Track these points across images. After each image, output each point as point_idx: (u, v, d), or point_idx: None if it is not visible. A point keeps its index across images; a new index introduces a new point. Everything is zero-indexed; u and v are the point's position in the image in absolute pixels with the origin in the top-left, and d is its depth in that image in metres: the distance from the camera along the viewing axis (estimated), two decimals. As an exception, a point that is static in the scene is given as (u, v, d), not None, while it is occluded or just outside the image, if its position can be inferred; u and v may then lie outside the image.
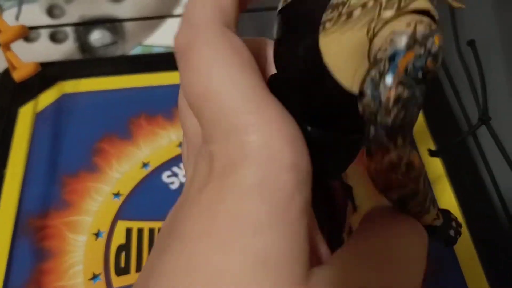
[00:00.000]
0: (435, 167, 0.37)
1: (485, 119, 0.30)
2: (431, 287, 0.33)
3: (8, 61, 0.40)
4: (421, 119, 0.40)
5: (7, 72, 0.43)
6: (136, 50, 0.49)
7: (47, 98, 0.42)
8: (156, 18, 0.49)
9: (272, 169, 0.14)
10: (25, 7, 0.48)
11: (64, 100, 0.42)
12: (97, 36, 0.48)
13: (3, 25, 0.37)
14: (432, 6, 0.15)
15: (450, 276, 0.34)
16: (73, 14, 0.48)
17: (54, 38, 0.48)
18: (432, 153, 0.36)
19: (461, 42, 0.34)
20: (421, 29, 0.14)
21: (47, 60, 0.44)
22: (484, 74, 0.28)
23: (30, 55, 0.43)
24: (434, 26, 0.14)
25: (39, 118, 0.41)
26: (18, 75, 0.39)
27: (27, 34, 0.38)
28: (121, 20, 0.48)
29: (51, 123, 0.41)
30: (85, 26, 0.47)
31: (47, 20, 0.47)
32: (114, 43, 0.48)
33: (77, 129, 0.40)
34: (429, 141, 0.38)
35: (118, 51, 0.48)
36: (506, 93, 0.37)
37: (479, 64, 0.29)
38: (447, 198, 0.36)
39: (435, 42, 0.14)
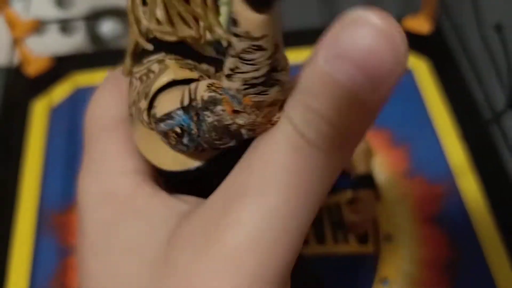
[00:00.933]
0: (459, 154, 0.37)
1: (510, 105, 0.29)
2: (452, 276, 0.33)
3: (21, 55, 0.40)
4: (443, 106, 0.40)
5: (19, 67, 0.43)
6: (147, 41, 0.48)
7: (61, 92, 0.42)
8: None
9: None
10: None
11: (78, 94, 0.42)
12: (107, 28, 0.48)
13: (15, 20, 0.36)
14: (178, 70, 0.17)
15: (473, 264, 0.34)
16: (82, 5, 0.48)
17: (64, 30, 0.47)
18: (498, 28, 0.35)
19: (484, 27, 0.34)
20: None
21: (57, 52, 0.44)
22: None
23: (40, 48, 0.43)
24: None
25: (54, 113, 0.41)
26: (31, 70, 0.39)
27: (38, 27, 0.37)
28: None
29: (67, 117, 0.41)
30: (95, 17, 0.47)
31: (56, 12, 0.47)
32: (125, 34, 0.48)
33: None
34: (441, 107, 0.39)
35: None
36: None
37: (506, 49, 0.29)
38: (470, 184, 0.36)
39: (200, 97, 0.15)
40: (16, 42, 0.38)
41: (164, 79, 0.16)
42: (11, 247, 0.35)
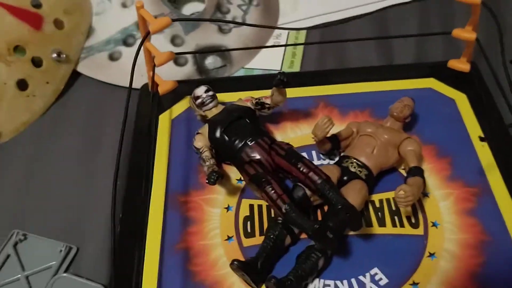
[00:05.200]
0: (485, 153, 0.48)
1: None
2: (485, 255, 0.43)
3: (152, 78, 0.53)
4: (478, 127, 0.51)
5: (145, 87, 0.56)
6: (239, 72, 0.61)
7: (179, 108, 0.55)
8: (254, 48, 0.61)
9: None
10: (153, 37, 0.61)
11: (191, 111, 0.54)
12: (210, 61, 0.61)
13: (156, 51, 0.49)
14: None
15: (502, 246, 0.43)
16: (190, 43, 0.61)
17: (177, 62, 0.60)
18: (482, 139, 0.46)
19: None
20: None
21: (173, 79, 0.56)
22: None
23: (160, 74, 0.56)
24: None
25: (174, 122, 0.54)
26: (162, 90, 0.52)
27: (173, 58, 0.50)
28: (229, 49, 0.60)
29: (184, 126, 0.53)
30: (202, 53, 0.60)
31: (171, 48, 0.60)
32: (223, 66, 0.61)
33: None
34: (478, 129, 0.50)
35: (226, 73, 0.61)
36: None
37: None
38: (497, 181, 0.46)
39: None
40: (152, 68, 0.51)
41: None
42: (147, 219, 0.46)
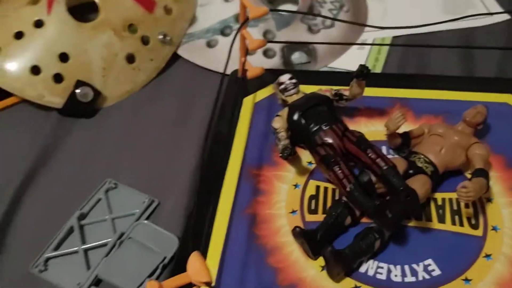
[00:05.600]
0: None
1: None
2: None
3: (243, 63, 0.58)
4: None
5: (234, 73, 0.62)
6: (323, 70, 0.65)
7: (262, 94, 0.60)
8: (340, 43, 0.65)
9: None
10: (248, 30, 0.67)
11: (274, 97, 0.59)
12: (296, 56, 0.65)
13: (250, 38, 0.54)
14: None
15: None
16: (281, 38, 0.66)
17: (266, 54, 0.66)
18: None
19: None
20: None
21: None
22: None
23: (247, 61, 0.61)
24: None
25: (256, 106, 0.59)
26: (250, 74, 0.57)
27: (265, 45, 0.55)
28: (316, 43, 0.64)
29: (265, 109, 0.58)
30: (289, 47, 0.65)
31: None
32: (308, 62, 0.65)
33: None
34: None
35: (310, 69, 0.65)
36: None
37: None
38: None
39: None
40: (245, 54, 0.56)
41: None
42: (222, 184, 0.51)
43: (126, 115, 0.62)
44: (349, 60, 0.66)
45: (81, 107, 0.61)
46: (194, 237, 0.47)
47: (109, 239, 0.49)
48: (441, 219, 0.47)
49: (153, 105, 0.63)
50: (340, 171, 0.45)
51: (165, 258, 0.48)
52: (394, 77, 0.62)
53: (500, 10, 0.71)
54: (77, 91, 0.61)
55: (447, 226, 0.47)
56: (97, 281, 0.47)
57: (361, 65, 0.48)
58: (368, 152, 0.46)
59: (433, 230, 0.46)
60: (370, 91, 0.55)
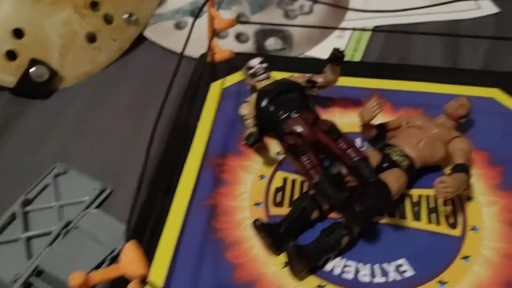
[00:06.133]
0: None
1: None
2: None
3: (211, 46, 0.54)
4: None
5: (203, 56, 0.58)
6: (298, 58, 0.61)
7: (232, 79, 0.56)
8: (317, 27, 0.61)
9: None
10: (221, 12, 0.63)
11: (244, 84, 0.55)
12: (271, 42, 0.61)
13: (218, 17, 0.50)
14: None
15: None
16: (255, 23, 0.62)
17: (239, 38, 0.62)
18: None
19: None
20: None
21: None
22: None
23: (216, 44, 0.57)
24: None
25: (225, 92, 0.55)
26: (219, 57, 0.53)
27: (234, 25, 0.51)
28: (293, 25, 0.60)
29: (234, 96, 0.54)
30: (264, 32, 0.61)
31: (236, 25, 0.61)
32: (283, 49, 0.61)
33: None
34: None
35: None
36: None
37: None
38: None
39: None
40: (212, 34, 0.52)
41: None
42: (181, 172, 0.47)
43: (84, 98, 0.57)
44: (328, 48, 0.61)
45: (35, 87, 0.57)
46: (143, 225, 0.43)
47: (54, 228, 0.45)
48: (417, 217, 0.43)
49: (114, 89, 0.58)
50: (307, 161, 0.41)
51: (114, 250, 0.43)
52: (372, 67, 0.58)
53: (489, 3, 0.68)
54: (32, 70, 0.56)
55: (423, 224, 0.43)
56: (38, 272, 0.42)
57: (335, 49, 0.44)
58: (339, 142, 0.42)
59: (407, 229, 0.43)
60: (346, 81, 0.51)
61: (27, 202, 0.47)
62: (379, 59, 0.60)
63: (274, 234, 0.40)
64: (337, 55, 0.44)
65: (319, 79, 0.48)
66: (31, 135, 0.54)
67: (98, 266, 0.42)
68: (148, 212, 0.44)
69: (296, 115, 0.45)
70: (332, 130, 0.43)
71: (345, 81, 0.51)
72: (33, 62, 0.56)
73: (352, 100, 0.53)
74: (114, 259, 0.43)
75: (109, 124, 0.54)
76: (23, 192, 0.48)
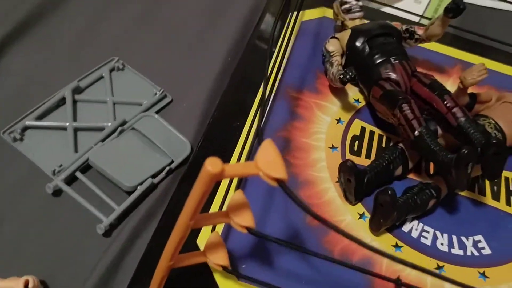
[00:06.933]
0: None
1: None
2: None
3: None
4: None
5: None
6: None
7: (312, 14, 0.51)
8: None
9: None
10: None
11: (324, 21, 0.51)
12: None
13: None
14: None
15: None
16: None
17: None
18: None
19: None
20: None
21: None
22: None
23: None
24: None
25: (303, 25, 0.50)
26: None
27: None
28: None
29: (313, 31, 0.49)
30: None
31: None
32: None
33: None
34: None
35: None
36: None
37: None
38: None
39: None
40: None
41: None
42: (254, 101, 0.42)
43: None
44: (402, 7, 0.58)
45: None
46: (210, 147, 0.38)
47: (108, 123, 0.40)
48: (495, 197, 0.41)
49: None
50: (409, 111, 0.38)
51: (172, 162, 0.39)
52: (462, 40, 0.54)
53: None
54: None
55: (501, 205, 0.40)
56: (85, 168, 0.38)
57: None
58: (445, 98, 0.38)
59: (487, 206, 0.40)
60: (431, 45, 0.48)
61: (78, 90, 0.42)
62: (456, 29, 0.56)
63: (359, 180, 0.36)
64: (458, 5, 0.40)
65: (420, 31, 0.45)
66: (91, 15, 0.47)
67: (154, 176, 0.38)
68: (215, 131, 0.40)
69: (396, 61, 0.42)
70: (435, 84, 0.40)
71: (429, 45, 0.47)
72: None
73: (435, 64, 0.50)
74: (171, 171, 0.39)
75: (175, 26, 0.49)
76: (75, 78, 0.42)
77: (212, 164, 0.21)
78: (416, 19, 0.54)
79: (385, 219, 0.35)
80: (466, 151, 0.33)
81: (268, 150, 0.23)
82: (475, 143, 0.36)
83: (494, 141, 0.35)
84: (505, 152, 0.36)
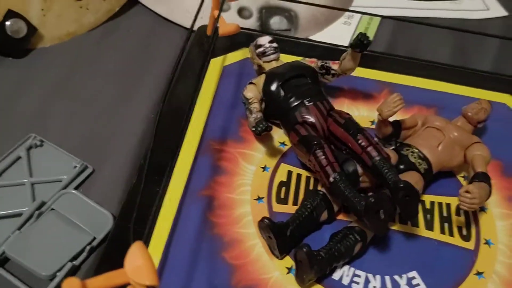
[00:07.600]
0: None
1: None
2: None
3: (213, 18, 0.49)
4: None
5: (202, 28, 0.52)
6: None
7: (233, 57, 0.51)
8: (325, 7, 0.55)
9: None
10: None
11: (246, 63, 0.50)
12: (276, 21, 0.56)
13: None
14: None
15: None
16: (259, 1, 0.57)
17: (241, 13, 0.56)
18: None
19: None
20: None
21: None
22: None
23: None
24: None
25: (225, 70, 0.50)
26: (222, 31, 0.47)
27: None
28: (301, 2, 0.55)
29: (234, 76, 0.49)
30: (269, 9, 0.56)
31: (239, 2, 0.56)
32: (288, 30, 0.56)
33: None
34: None
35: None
36: None
37: None
38: None
39: None
40: (217, 7, 0.47)
41: None
42: (176, 157, 0.42)
43: (65, 61, 0.51)
44: (334, 34, 0.58)
45: (10, 43, 0.50)
46: (131, 216, 0.37)
47: (25, 209, 0.39)
48: (429, 226, 0.40)
49: (99, 54, 0.52)
50: (323, 157, 0.37)
51: (94, 239, 0.38)
52: (384, 59, 0.54)
53: (498, 5, 0.65)
54: (7, 23, 0.49)
55: (435, 234, 0.40)
56: (3, 260, 0.37)
57: (361, 33, 0.40)
58: (358, 138, 0.38)
59: (419, 238, 0.40)
60: (356, 71, 0.48)
61: (-6, 176, 0.41)
62: (387, 50, 0.56)
63: (281, 235, 0.36)
64: (362, 41, 0.39)
65: (335, 66, 0.44)
66: (2, 98, 0.47)
67: (75, 257, 0.37)
68: (137, 200, 0.39)
69: (310, 103, 0.41)
70: (350, 123, 0.39)
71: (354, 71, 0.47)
72: (10, 14, 0.49)
73: (362, 92, 0.49)
74: (94, 249, 0.38)
75: (91, 94, 0.48)
76: (-10, 163, 0.41)
77: (68, 285, 0.20)
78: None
79: (307, 274, 0.34)
80: (372, 200, 0.33)
81: (136, 255, 0.22)
82: (389, 183, 0.35)
83: (401, 185, 0.34)
84: (415, 194, 0.35)
